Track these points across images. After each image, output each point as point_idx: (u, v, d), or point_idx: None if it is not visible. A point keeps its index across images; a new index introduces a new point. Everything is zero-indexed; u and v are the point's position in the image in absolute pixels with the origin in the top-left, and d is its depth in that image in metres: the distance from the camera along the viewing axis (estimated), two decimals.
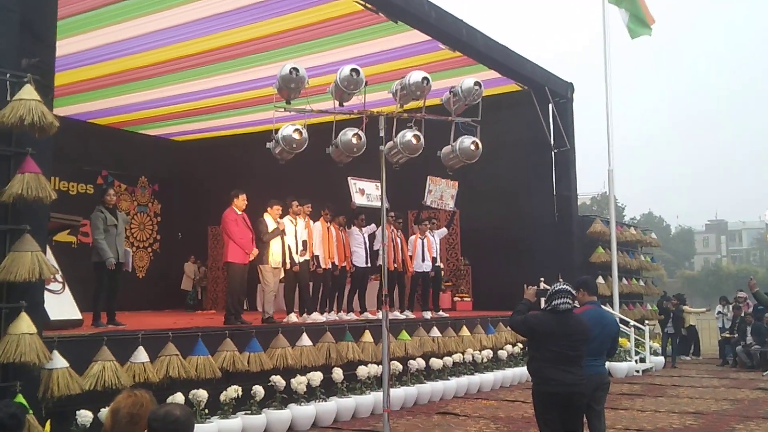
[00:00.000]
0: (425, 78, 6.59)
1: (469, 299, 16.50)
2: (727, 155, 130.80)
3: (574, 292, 5.60)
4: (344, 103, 6.72)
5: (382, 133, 6.53)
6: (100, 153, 17.17)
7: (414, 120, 6.77)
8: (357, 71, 6.40)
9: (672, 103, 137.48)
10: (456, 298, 16.40)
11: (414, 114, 6.75)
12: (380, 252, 7.70)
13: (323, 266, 11.35)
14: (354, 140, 6.54)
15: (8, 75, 6.63)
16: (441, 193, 11.73)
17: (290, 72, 6.31)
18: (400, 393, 10.31)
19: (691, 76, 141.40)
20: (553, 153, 16.73)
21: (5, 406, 3.75)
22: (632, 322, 15.59)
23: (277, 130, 6.65)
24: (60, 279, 8.59)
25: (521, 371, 13.04)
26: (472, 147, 6.86)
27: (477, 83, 6.80)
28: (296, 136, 6.50)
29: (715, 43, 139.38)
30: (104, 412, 6.69)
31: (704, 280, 64.73)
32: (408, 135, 6.67)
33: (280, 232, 10.53)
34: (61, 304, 8.40)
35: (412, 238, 13.10)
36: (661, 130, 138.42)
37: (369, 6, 11.21)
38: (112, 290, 9.28)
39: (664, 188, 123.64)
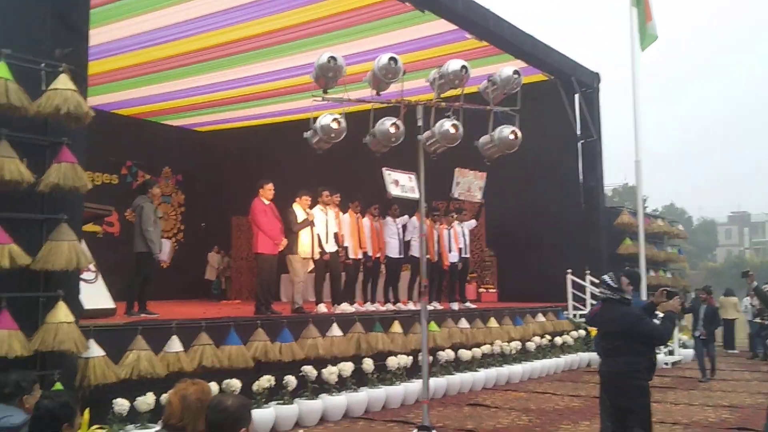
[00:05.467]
0: (464, 66, 6.50)
1: (494, 290, 16.45)
2: (752, 147, 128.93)
3: (610, 281, 5.62)
4: (380, 92, 6.63)
5: (420, 123, 6.45)
6: (124, 143, 17.20)
7: (452, 109, 6.68)
8: (395, 60, 6.32)
9: (700, 95, 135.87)
10: (481, 290, 16.35)
11: (452, 103, 6.66)
12: (419, 243, 7.62)
13: (353, 257, 11.34)
14: (392, 130, 6.46)
15: (43, 65, 6.62)
16: (469, 185, 11.59)
17: (328, 61, 6.23)
18: (429, 384, 10.23)
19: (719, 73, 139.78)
20: (579, 144, 16.60)
21: (56, 396, 3.72)
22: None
23: (315, 119, 6.58)
24: (93, 268, 8.62)
25: (549, 363, 12.98)
26: (512, 137, 6.77)
27: (516, 72, 6.71)
28: (335, 125, 6.42)
29: (751, 42, 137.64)
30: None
31: (728, 272, 64.01)
32: (446, 124, 6.57)
33: (310, 223, 10.49)
34: (95, 294, 8.42)
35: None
36: (687, 120, 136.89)
37: None
38: (147, 280, 9.37)
39: (687, 179, 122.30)
